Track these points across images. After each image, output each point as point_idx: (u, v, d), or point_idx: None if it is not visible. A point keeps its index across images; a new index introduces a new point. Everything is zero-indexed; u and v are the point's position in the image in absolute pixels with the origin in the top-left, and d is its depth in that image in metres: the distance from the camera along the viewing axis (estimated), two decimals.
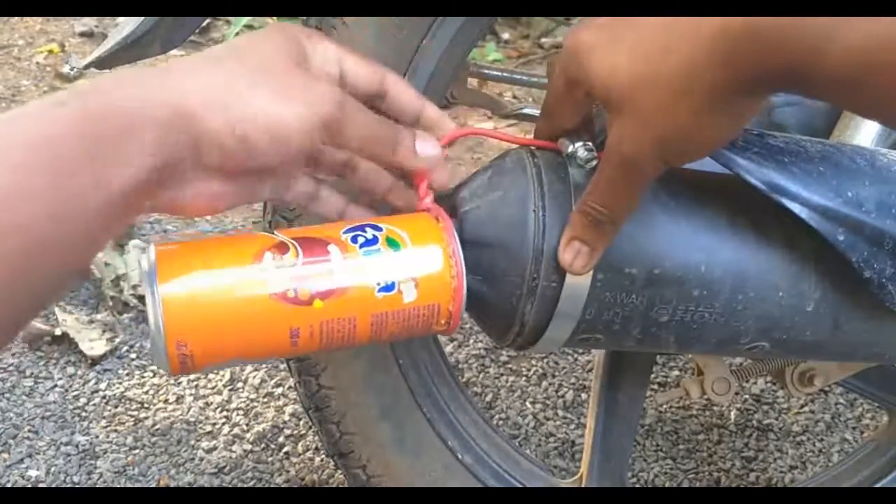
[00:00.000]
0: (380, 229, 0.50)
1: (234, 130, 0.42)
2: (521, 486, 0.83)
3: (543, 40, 2.36)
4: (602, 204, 0.50)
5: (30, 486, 1.05)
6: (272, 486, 1.06)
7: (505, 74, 0.98)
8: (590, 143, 0.53)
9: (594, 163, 0.52)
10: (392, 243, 0.49)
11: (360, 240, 0.49)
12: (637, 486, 1.08)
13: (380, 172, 0.55)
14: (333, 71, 0.49)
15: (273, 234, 0.48)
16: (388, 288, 0.48)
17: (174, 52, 0.72)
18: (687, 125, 0.45)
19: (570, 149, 0.53)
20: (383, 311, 0.49)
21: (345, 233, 0.49)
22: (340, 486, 1.05)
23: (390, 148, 0.50)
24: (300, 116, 0.44)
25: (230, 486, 1.06)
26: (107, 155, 0.37)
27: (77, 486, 1.05)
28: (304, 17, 0.71)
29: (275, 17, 1.80)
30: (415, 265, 0.49)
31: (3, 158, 0.34)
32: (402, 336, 0.51)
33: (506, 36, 2.39)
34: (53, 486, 1.05)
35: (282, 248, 0.47)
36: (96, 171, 0.37)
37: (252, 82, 0.43)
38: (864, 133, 0.70)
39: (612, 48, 0.46)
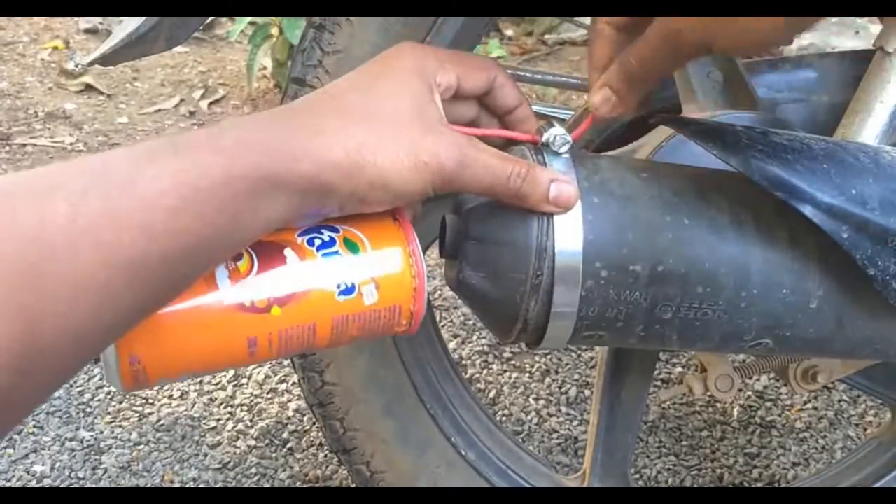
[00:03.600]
0: (336, 230, 0.49)
1: (356, 197, 0.47)
2: (523, 482, 0.83)
3: (547, 37, 2.36)
4: (639, 60, 0.52)
5: (35, 481, 1.05)
6: (276, 481, 1.06)
7: (508, 72, 0.98)
8: (566, 133, 0.54)
9: (568, 147, 0.54)
10: (350, 245, 0.48)
11: (317, 242, 0.48)
12: (640, 482, 1.08)
13: None
14: (452, 84, 0.53)
15: None
16: (349, 291, 0.48)
17: (179, 48, 0.72)
18: None
19: (546, 136, 0.54)
20: (344, 314, 0.48)
21: (300, 235, 0.48)
22: (344, 481, 1.05)
23: (512, 187, 0.51)
24: (417, 181, 0.48)
25: (234, 481, 1.06)
26: (248, 209, 0.43)
27: (82, 484, 1.05)
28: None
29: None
30: (374, 267, 0.48)
31: (157, 199, 0.40)
32: (363, 338, 0.51)
33: (509, 33, 2.39)
34: (58, 481, 1.05)
35: (236, 255, 0.46)
36: (236, 218, 0.43)
37: (381, 149, 0.47)
38: (869, 130, 0.70)
39: None
